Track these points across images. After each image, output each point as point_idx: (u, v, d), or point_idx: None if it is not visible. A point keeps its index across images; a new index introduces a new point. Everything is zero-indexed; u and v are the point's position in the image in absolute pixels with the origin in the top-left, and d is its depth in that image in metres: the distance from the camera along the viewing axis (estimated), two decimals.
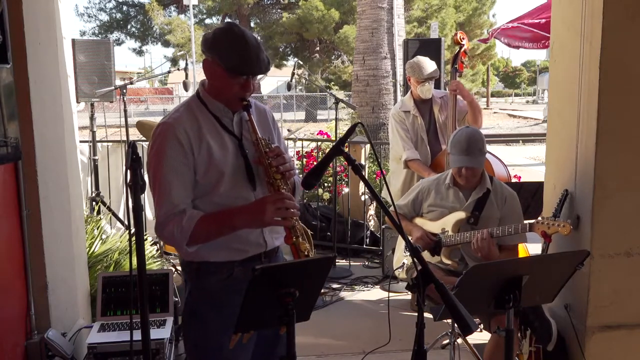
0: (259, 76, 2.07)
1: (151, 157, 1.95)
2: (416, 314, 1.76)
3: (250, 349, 2.06)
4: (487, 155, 4.20)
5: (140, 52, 29.03)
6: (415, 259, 1.74)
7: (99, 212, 5.07)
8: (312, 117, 26.09)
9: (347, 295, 4.70)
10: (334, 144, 2.13)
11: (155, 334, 3.05)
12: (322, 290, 4.15)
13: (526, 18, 6.27)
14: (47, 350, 3.04)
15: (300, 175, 2.14)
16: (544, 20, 5.88)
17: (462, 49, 4.10)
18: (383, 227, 5.22)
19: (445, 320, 2.51)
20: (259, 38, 2.02)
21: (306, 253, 1.95)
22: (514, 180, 5.17)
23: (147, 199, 4.48)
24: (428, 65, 4.20)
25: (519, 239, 3.10)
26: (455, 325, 2.96)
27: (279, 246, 2.17)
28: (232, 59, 1.90)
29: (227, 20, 24.19)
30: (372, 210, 6.14)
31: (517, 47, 6.45)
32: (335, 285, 4.87)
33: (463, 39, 4.13)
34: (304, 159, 6.46)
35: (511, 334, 2.09)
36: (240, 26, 2.00)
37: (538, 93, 42.74)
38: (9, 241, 2.97)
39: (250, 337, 1.88)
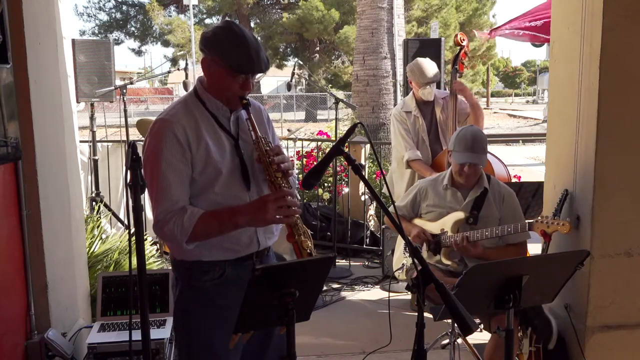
0: (258, 75, 2.07)
1: (148, 154, 1.94)
2: (416, 314, 1.76)
3: (241, 348, 2.05)
4: (488, 156, 4.21)
5: (139, 52, 29.05)
6: (415, 259, 1.74)
7: (99, 212, 5.07)
8: (312, 117, 26.10)
9: (347, 295, 4.70)
10: (334, 144, 2.14)
11: (155, 334, 3.05)
12: (322, 290, 4.15)
13: (522, 20, 6.26)
14: (47, 350, 3.04)
15: (300, 175, 2.15)
16: (540, 23, 5.88)
17: (462, 50, 4.11)
18: (383, 227, 5.22)
19: (445, 320, 2.51)
20: (258, 38, 2.03)
21: (308, 251, 1.95)
22: (513, 180, 5.17)
23: (147, 199, 4.48)
24: (429, 69, 4.17)
25: (525, 236, 3.10)
26: (455, 325, 2.96)
27: (271, 246, 2.17)
28: (233, 57, 1.90)
29: (227, 19, 24.18)
30: (372, 210, 6.14)
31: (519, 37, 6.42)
32: (335, 285, 4.87)
33: (463, 40, 4.14)
34: (304, 159, 6.45)
35: (511, 334, 2.09)
36: (239, 24, 2.01)
37: (538, 93, 42.74)
38: (9, 241, 2.97)
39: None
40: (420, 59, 4.28)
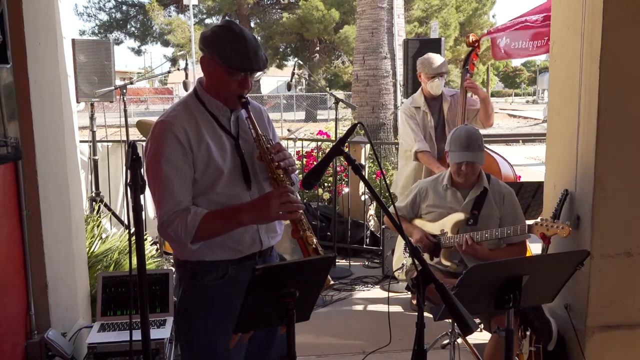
0: (256, 75, 2.07)
1: (150, 156, 1.94)
2: (416, 314, 1.76)
3: (243, 348, 2.06)
4: (494, 155, 4.23)
5: (139, 52, 29.06)
6: (415, 259, 1.74)
7: (99, 212, 5.07)
8: (312, 117, 26.09)
9: (347, 295, 4.70)
10: (334, 144, 2.14)
11: (155, 334, 3.04)
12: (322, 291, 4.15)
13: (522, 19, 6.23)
14: (47, 350, 3.04)
15: (300, 175, 2.15)
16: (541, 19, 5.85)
17: (474, 51, 4.13)
18: (383, 227, 5.22)
19: (445, 320, 2.50)
20: (258, 38, 2.03)
21: (314, 246, 1.95)
22: None
23: (147, 198, 4.48)
24: (437, 60, 4.23)
25: (525, 236, 3.09)
26: (455, 325, 2.96)
27: (273, 246, 2.17)
28: (232, 55, 1.90)
29: (227, 18, 24.17)
30: (372, 210, 6.14)
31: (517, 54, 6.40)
32: (335, 285, 4.87)
33: (476, 41, 4.17)
34: (304, 159, 6.45)
35: (511, 334, 2.09)
36: (238, 24, 2.01)
37: (538, 93, 42.77)
38: (9, 241, 2.97)
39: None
40: (430, 53, 4.36)
